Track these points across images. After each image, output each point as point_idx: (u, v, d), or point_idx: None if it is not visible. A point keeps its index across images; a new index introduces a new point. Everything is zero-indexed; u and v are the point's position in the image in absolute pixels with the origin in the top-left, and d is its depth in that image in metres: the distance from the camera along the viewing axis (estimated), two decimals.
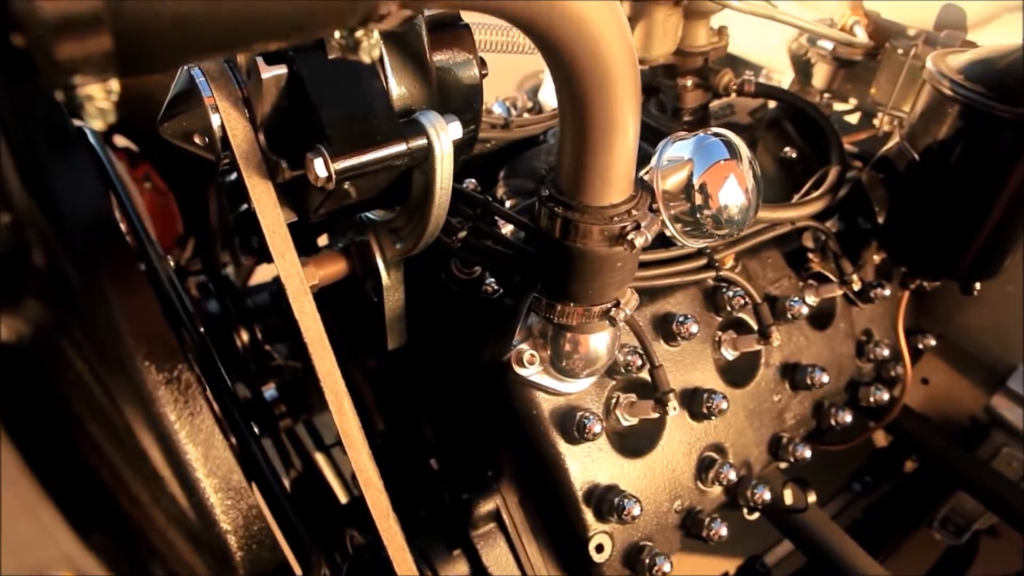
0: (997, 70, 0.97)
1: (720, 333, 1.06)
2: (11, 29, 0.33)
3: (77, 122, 0.71)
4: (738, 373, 1.09)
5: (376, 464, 0.77)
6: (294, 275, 0.72)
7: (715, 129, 0.80)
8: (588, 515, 0.93)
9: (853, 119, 1.52)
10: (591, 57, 0.60)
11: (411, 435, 1.14)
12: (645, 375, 0.94)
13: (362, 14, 0.45)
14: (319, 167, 0.65)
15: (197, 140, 0.72)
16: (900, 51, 1.23)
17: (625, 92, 0.63)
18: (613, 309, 0.79)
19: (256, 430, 0.80)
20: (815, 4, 1.51)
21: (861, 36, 1.26)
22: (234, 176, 0.71)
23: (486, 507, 0.95)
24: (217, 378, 0.77)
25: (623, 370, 0.93)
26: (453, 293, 0.96)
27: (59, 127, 0.58)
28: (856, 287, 1.16)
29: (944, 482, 1.49)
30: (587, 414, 0.90)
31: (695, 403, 1.01)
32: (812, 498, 1.10)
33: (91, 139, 0.81)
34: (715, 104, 1.26)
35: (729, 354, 1.06)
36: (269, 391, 1.40)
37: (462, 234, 0.88)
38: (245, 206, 1.29)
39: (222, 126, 0.69)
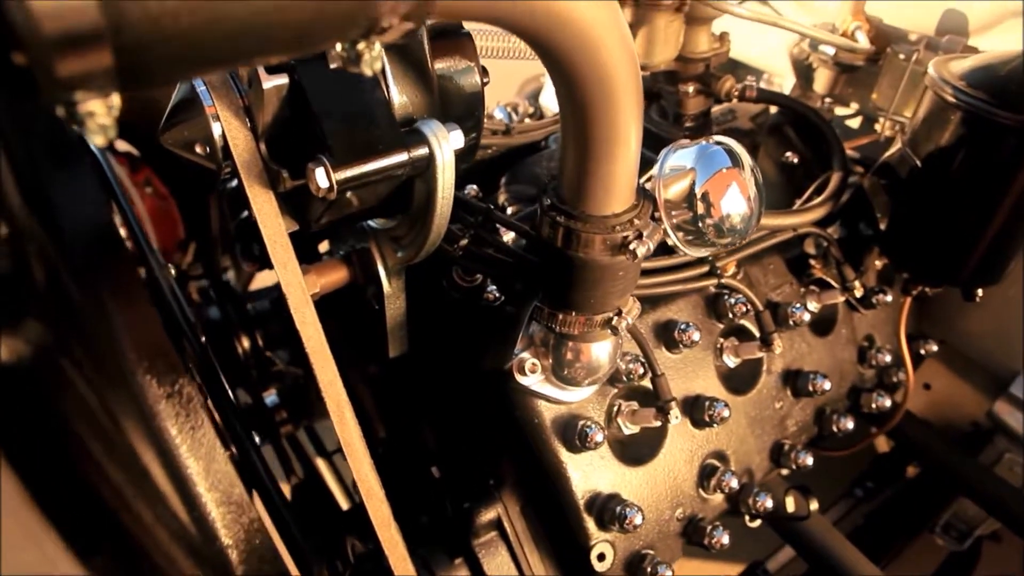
0: (999, 77, 0.97)
1: (722, 340, 1.06)
2: (12, 47, 0.33)
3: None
4: (740, 380, 1.08)
5: (377, 472, 0.77)
6: (295, 285, 0.72)
7: (717, 137, 0.79)
8: (590, 524, 0.93)
9: (855, 123, 1.52)
10: (593, 66, 0.60)
11: (412, 443, 1.13)
12: (647, 383, 0.94)
13: (364, 27, 0.44)
14: (320, 177, 0.65)
15: (198, 149, 0.72)
16: (902, 56, 1.23)
17: (627, 101, 0.63)
18: (615, 318, 0.79)
19: (257, 438, 0.80)
20: (816, 8, 1.51)
21: (863, 41, 1.26)
22: (235, 183, 0.71)
23: (488, 516, 0.95)
24: (218, 387, 0.77)
25: (625, 378, 0.93)
26: (454, 301, 0.96)
27: (60, 137, 0.58)
28: (858, 293, 1.15)
29: (946, 487, 1.49)
30: (589, 423, 0.90)
31: (697, 410, 1.01)
32: (814, 505, 1.10)
33: (93, 147, 0.81)
34: (716, 109, 1.25)
35: (731, 361, 1.06)
36: (270, 397, 1.40)
37: (464, 242, 0.88)
38: (246, 213, 1.29)
39: (223, 135, 0.69)
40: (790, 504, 1.10)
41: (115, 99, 0.38)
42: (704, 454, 1.03)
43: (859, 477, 1.62)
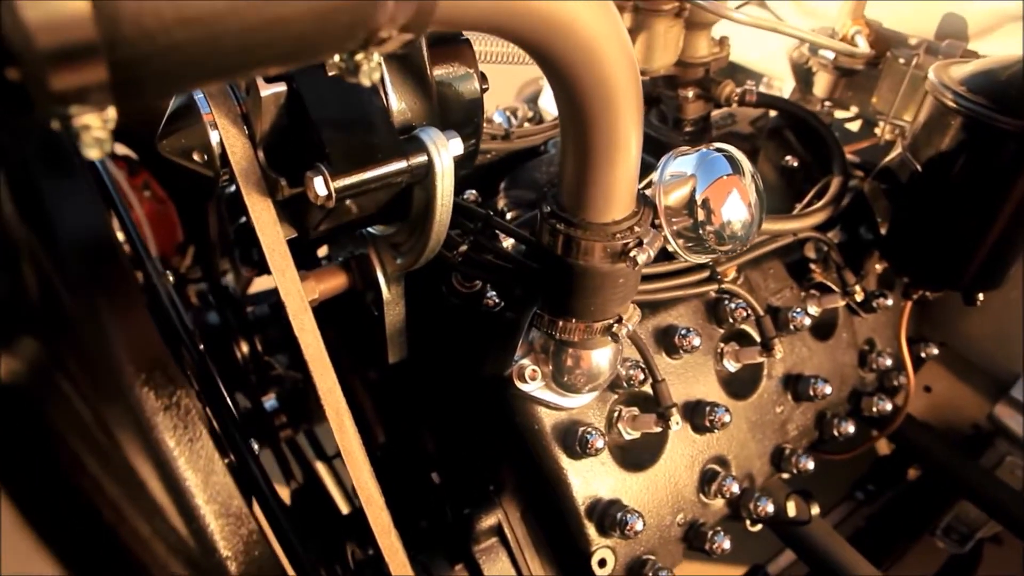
0: (999, 82, 0.96)
1: (722, 345, 1.06)
2: (5, 62, 0.33)
3: None
4: (740, 385, 1.08)
5: (377, 478, 0.77)
6: (294, 293, 0.71)
7: (718, 144, 0.79)
8: (590, 530, 0.93)
9: (854, 126, 1.51)
10: (593, 74, 0.59)
11: (412, 448, 1.13)
12: (647, 389, 0.94)
13: (362, 38, 0.44)
14: (319, 186, 0.64)
15: (196, 157, 0.72)
16: (901, 60, 1.23)
17: (628, 108, 0.63)
18: (615, 325, 0.79)
19: (256, 446, 0.79)
20: (816, 11, 1.50)
21: (862, 46, 1.26)
22: (234, 188, 0.70)
23: (488, 522, 0.95)
24: (216, 395, 0.77)
25: (625, 384, 0.93)
26: (454, 306, 0.95)
27: (55, 143, 0.58)
28: (859, 297, 1.15)
29: (947, 490, 1.49)
30: (589, 429, 0.90)
31: (697, 416, 1.00)
32: (815, 510, 1.10)
33: None
34: (716, 113, 1.25)
35: (731, 366, 1.06)
36: (269, 401, 1.39)
37: (463, 248, 0.88)
38: (245, 218, 1.29)
39: (221, 143, 0.69)
40: (791, 509, 1.10)
41: (111, 112, 0.38)
42: (705, 459, 1.03)
43: (860, 480, 1.62)
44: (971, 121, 0.97)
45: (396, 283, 0.88)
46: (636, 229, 0.71)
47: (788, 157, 1.27)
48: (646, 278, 0.96)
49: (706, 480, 1.02)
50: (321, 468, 1.45)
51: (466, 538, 0.95)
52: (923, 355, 1.34)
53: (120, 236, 0.85)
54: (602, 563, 0.94)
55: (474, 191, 1.06)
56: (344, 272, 0.90)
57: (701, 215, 0.76)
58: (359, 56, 0.46)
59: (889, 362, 1.24)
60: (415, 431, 1.12)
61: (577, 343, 0.81)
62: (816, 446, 1.22)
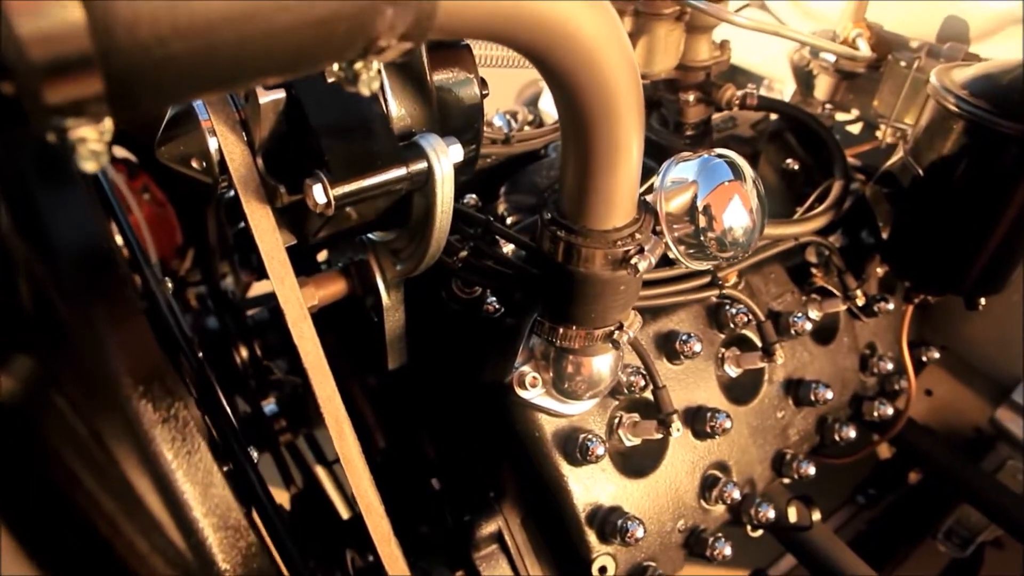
0: (1001, 86, 0.96)
1: (723, 350, 1.05)
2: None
3: None
4: (741, 390, 1.08)
5: (377, 485, 0.76)
6: (293, 300, 0.71)
7: (719, 150, 0.79)
8: (591, 537, 0.92)
9: (855, 128, 1.51)
10: (594, 82, 0.59)
11: (412, 454, 1.13)
12: (648, 395, 0.93)
13: (361, 48, 0.44)
14: (318, 193, 0.64)
15: (195, 163, 0.71)
16: (903, 64, 1.22)
17: (629, 115, 0.63)
18: (616, 332, 0.78)
19: (255, 454, 0.79)
20: (817, 14, 1.50)
21: (864, 49, 1.26)
22: (233, 193, 0.70)
23: (488, 528, 0.94)
24: (215, 403, 0.76)
25: (626, 390, 0.93)
26: (454, 312, 0.95)
27: (53, 154, 0.57)
28: (860, 302, 1.15)
29: (948, 494, 1.48)
30: (590, 436, 0.89)
31: (698, 421, 1.00)
32: (816, 516, 1.10)
33: None
34: (717, 117, 1.25)
35: (732, 371, 1.05)
36: (269, 406, 1.39)
37: (463, 254, 0.87)
38: (244, 223, 1.28)
39: (219, 149, 0.69)
40: (792, 514, 1.09)
41: (107, 124, 0.38)
42: (706, 465, 1.02)
43: (861, 484, 1.61)
44: (973, 125, 0.96)
45: (396, 289, 0.87)
46: (637, 236, 0.70)
47: (789, 160, 1.27)
48: (647, 283, 0.95)
49: (707, 486, 1.02)
50: (321, 472, 1.45)
51: (466, 545, 0.95)
52: (924, 359, 1.34)
53: (119, 240, 0.84)
54: (603, 570, 0.93)
55: (474, 195, 1.05)
56: (344, 278, 0.89)
57: (703, 221, 0.76)
58: (358, 65, 0.45)
59: (890, 366, 1.24)
60: (415, 437, 1.11)
61: (578, 350, 0.81)
62: (817, 450, 1.21)
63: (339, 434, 0.74)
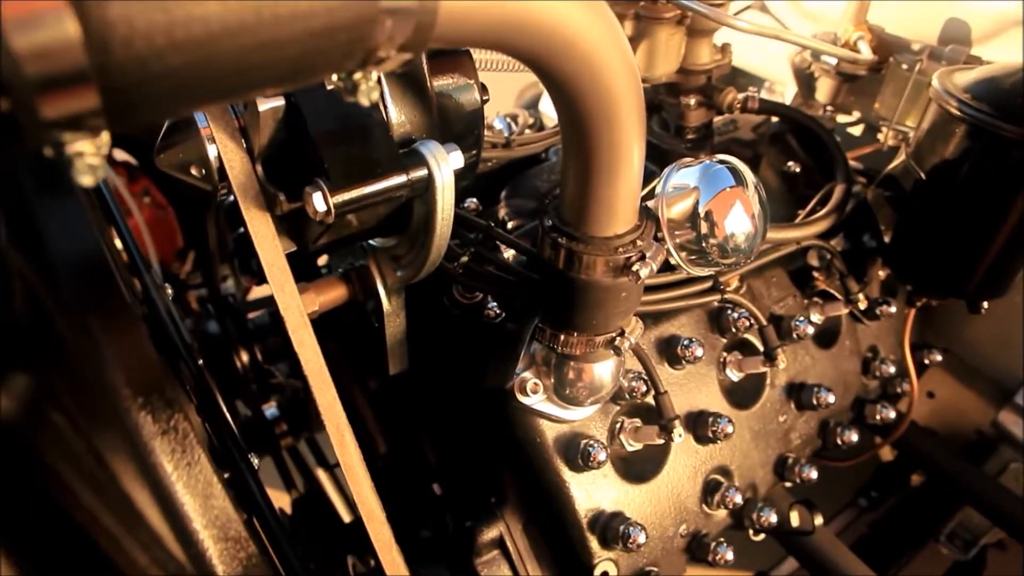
0: (1003, 89, 0.96)
1: (725, 354, 1.05)
2: None
3: None
4: (743, 394, 1.07)
5: (378, 490, 0.76)
6: (293, 308, 0.71)
7: (720, 156, 0.78)
8: (593, 542, 0.92)
9: (856, 131, 1.51)
10: (595, 89, 0.59)
11: (413, 459, 1.12)
12: (650, 400, 0.93)
13: (360, 58, 0.44)
14: (318, 202, 0.64)
15: (194, 171, 0.71)
16: (904, 66, 1.22)
17: (630, 122, 0.62)
18: (618, 338, 0.78)
19: (256, 461, 0.79)
20: (818, 15, 1.50)
21: (865, 52, 1.25)
22: (232, 198, 0.70)
23: (490, 534, 0.94)
24: (215, 409, 0.76)
25: (628, 396, 0.92)
26: (455, 317, 0.95)
27: (50, 163, 0.57)
28: (862, 305, 1.15)
29: (951, 497, 1.48)
30: (591, 442, 0.89)
31: (700, 426, 1.00)
32: (819, 520, 1.09)
33: None
34: (718, 120, 1.24)
35: (734, 375, 1.05)
36: (270, 409, 1.39)
37: (464, 259, 0.87)
38: (243, 229, 1.28)
39: (219, 157, 0.68)
40: (795, 519, 1.09)
41: (104, 137, 0.37)
42: (708, 470, 1.02)
43: (863, 486, 1.61)
44: (975, 129, 0.96)
45: (396, 295, 0.87)
46: (639, 243, 0.70)
47: (790, 163, 1.26)
48: (648, 288, 0.95)
49: (709, 491, 1.01)
50: (322, 475, 1.45)
51: (468, 550, 0.94)
52: (926, 361, 1.34)
53: (119, 244, 0.84)
54: (605, 575, 0.93)
55: (475, 199, 1.05)
56: (344, 284, 0.89)
57: (704, 228, 0.76)
58: (357, 75, 0.45)
59: (892, 369, 1.23)
60: (416, 442, 1.11)
61: (579, 356, 0.80)
62: (819, 454, 1.21)
63: (340, 442, 0.74)
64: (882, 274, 1.24)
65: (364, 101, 0.46)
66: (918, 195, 1.06)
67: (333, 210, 0.64)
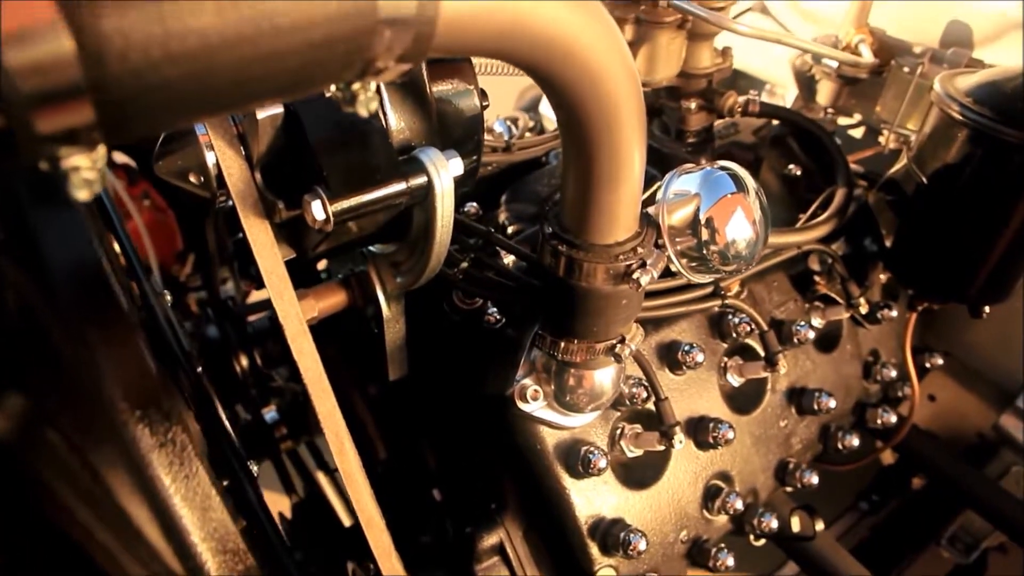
0: (1005, 94, 0.95)
1: (726, 359, 1.05)
2: None
3: None
4: (744, 399, 1.07)
5: (378, 495, 0.76)
6: (292, 316, 0.70)
7: (721, 163, 0.78)
8: (593, 549, 0.92)
9: (858, 133, 1.50)
10: (596, 97, 0.58)
11: (413, 464, 1.12)
12: (651, 406, 0.93)
13: (359, 69, 0.43)
14: (317, 210, 0.64)
15: (192, 178, 0.71)
16: (906, 69, 1.22)
17: (630, 129, 0.62)
18: (618, 345, 0.77)
19: (255, 468, 0.78)
20: (819, 17, 1.49)
21: (867, 55, 1.25)
22: (231, 203, 0.69)
23: (490, 540, 0.94)
24: (213, 417, 0.76)
25: (628, 402, 0.92)
26: (455, 323, 0.94)
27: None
28: (863, 310, 1.14)
29: (952, 500, 1.48)
30: (592, 449, 0.89)
31: (701, 432, 0.99)
32: (820, 526, 1.09)
33: None
34: (719, 123, 1.24)
35: (735, 380, 1.05)
36: (270, 413, 1.38)
37: (464, 265, 0.87)
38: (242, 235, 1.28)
39: (217, 164, 0.68)
40: (795, 524, 1.09)
41: (100, 151, 0.37)
42: (708, 475, 1.02)
43: (864, 490, 1.61)
44: (976, 133, 0.96)
45: (396, 301, 0.87)
46: (639, 250, 0.70)
47: (791, 166, 1.26)
48: (649, 294, 0.94)
49: (709, 496, 1.01)
50: (323, 479, 1.45)
51: (468, 557, 0.94)
52: (927, 365, 1.33)
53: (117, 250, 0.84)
54: None
55: (475, 204, 1.04)
56: (344, 289, 0.89)
57: (705, 234, 0.75)
58: (356, 86, 0.45)
59: (893, 373, 1.23)
60: (416, 447, 1.11)
61: (579, 364, 0.80)
62: (820, 458, 1.21)
63: (339, 450, 0.74)
64: (883, 278, 1.23)
65: (363, 112, 0.45)
66: (919, 199, 1.06)
67: (332, 218, 0.64)
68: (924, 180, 1.04)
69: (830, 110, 1.39)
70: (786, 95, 1.59)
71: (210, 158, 0.68)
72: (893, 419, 1.21)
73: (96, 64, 0.33)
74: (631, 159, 0.63)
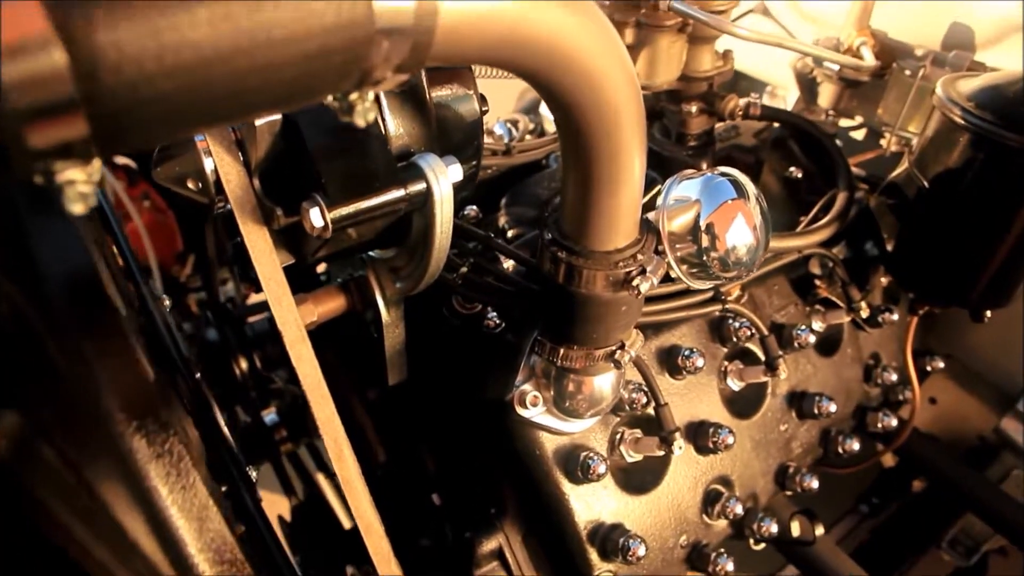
0: (1007, 98, 0.95)
1: (726, 364, 1.05)
2: None
3: None
4: (744, 404, 1.07)
5: (378, 500, 0.75)
6: (291, 322, 0.70)
7: (722, 168, 0.78)
8: (592, 554, 0.92)
9: (859, 135, 1.50)
10: (595, 104, 0.58)
11: (413, 469, 1.12)
12: (650, 411, 0.92)
13: (357, 79, 0.43)
14: (315, 217, 0.63)
15: (190, 184, 0.70)
16: (908, 72, 1.21)
17: (630, 136, 0.62)
18: (618, 351, 0.77)
19: (254, 474, 0.78)
20: (821, 19, 1.49)
21: (868, 58, 1.24)
22: (230, 208, 0.69)
23: (489, 546, 0.94)
24: (212, 423, 0.75)
25: (628, 407, 0.92)
26: (454, 328, 0.94)
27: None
28: (864, 313, 1.14)
29: (953, 503, 1.47)
30: (591, 454, 0.88)
31: (701, 437, 0.99)
32: (820, 530, 1.09)
33: None
34: (720, 126, 1.24)
35: (735, 385, 1.05)
36: (269, 415, 1.38)
37: (463, 270, 0.86)
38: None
39: (215, 170, 0.68)
40: (795, 528, 1.09)
41: (95, 164, 0.37)
42: (708, 480, 1.02)
43: (864, 493, 1.60)
44: (978, 137, 0.95)
45: (395, 306, 0.86)
46: (639, 256, 0.69)
47: (792, 169, 1.25)
48: (649, 299, 0.94)
49: (709, 501, 1.01)
50: (323, 481, 1.45)
51: (467, 561, 0.94)
52: (928, 368, 1.33)
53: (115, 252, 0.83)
54: None
55: (475, 207, 1.04)
56: (343, 294, 0.88)
57: (705, 241, 0.75)
58: (353, 96, 0.44)
59: (894, 377, 1.23)
60: (415, 452, 1.10)
61: (579, 370, 0.80)
62: (821, 462, 1.20)
63: (338, 456, 0.74)
64: (884, 282, 1.23)
65: (360, 122, 0.45)
66: (921, 203, 1.05)
67: (330, 225, 0.64)
68: (925, 184, 1.04)
69: (831, 112, 1.38)
70: (787, 97, 1.59)
71: (208, 164, 0.67)
72: (894, 423, 1.21)
73: (89, 77, 0.33)
74: (631, 166, 0.63)
